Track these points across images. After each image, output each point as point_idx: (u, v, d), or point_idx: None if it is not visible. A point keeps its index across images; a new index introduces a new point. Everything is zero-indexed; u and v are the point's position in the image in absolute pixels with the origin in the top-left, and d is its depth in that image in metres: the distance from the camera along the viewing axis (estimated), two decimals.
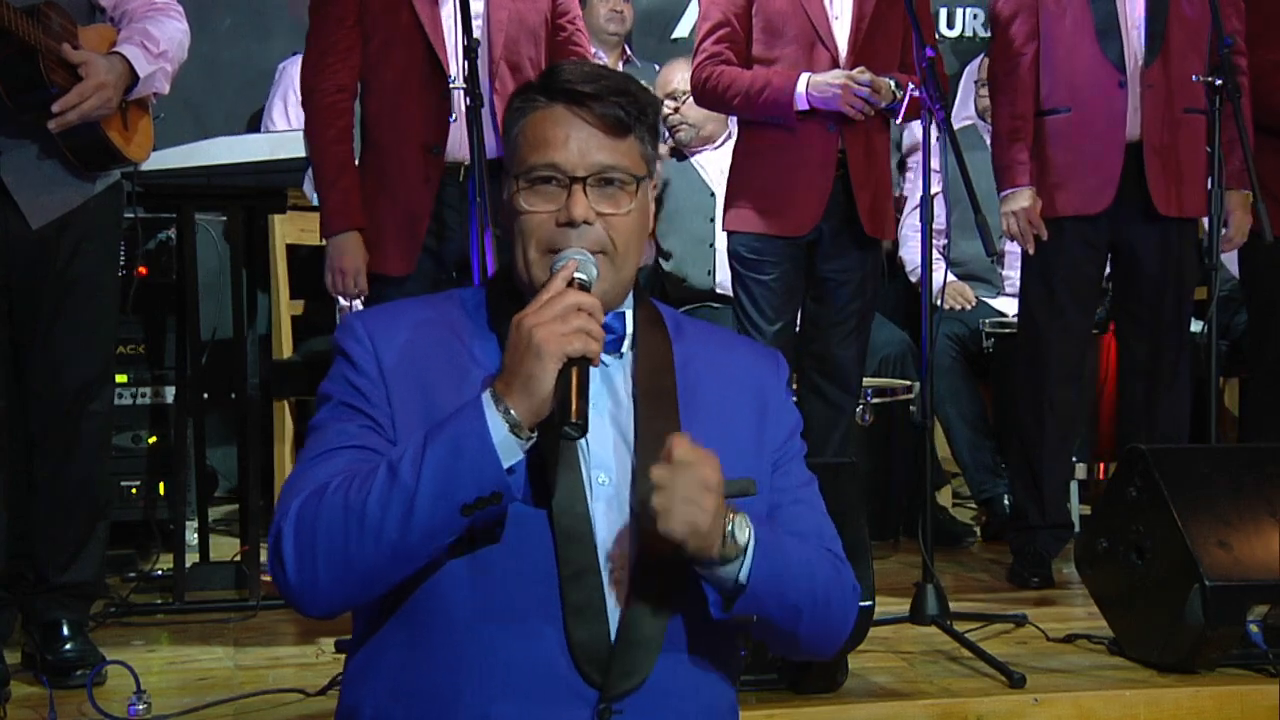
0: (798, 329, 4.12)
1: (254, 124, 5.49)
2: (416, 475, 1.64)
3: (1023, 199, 4.04)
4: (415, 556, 1.68)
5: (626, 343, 1.85)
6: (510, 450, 1.65)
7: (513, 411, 1.65)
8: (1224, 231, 3.95)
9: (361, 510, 1.66)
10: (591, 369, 1.69)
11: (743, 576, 1.73)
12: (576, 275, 1.74)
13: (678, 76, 5.02)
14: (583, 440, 1.73)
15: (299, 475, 1.77)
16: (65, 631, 3.22)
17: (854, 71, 3.83)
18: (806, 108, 3.85)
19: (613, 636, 1.73)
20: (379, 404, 1.78)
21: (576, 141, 1.79)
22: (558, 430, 1.66)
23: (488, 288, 1.91)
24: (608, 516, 1.77)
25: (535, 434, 1.67)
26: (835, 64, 3.88)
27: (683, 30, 6.19)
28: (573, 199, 1.78)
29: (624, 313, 1.86)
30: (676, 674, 1.77)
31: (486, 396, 1.66)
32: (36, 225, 3.09)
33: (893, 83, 3.87)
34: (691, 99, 4.43)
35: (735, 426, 1.87)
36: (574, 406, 1.65)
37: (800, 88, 3.84)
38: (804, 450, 1.97)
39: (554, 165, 1.79)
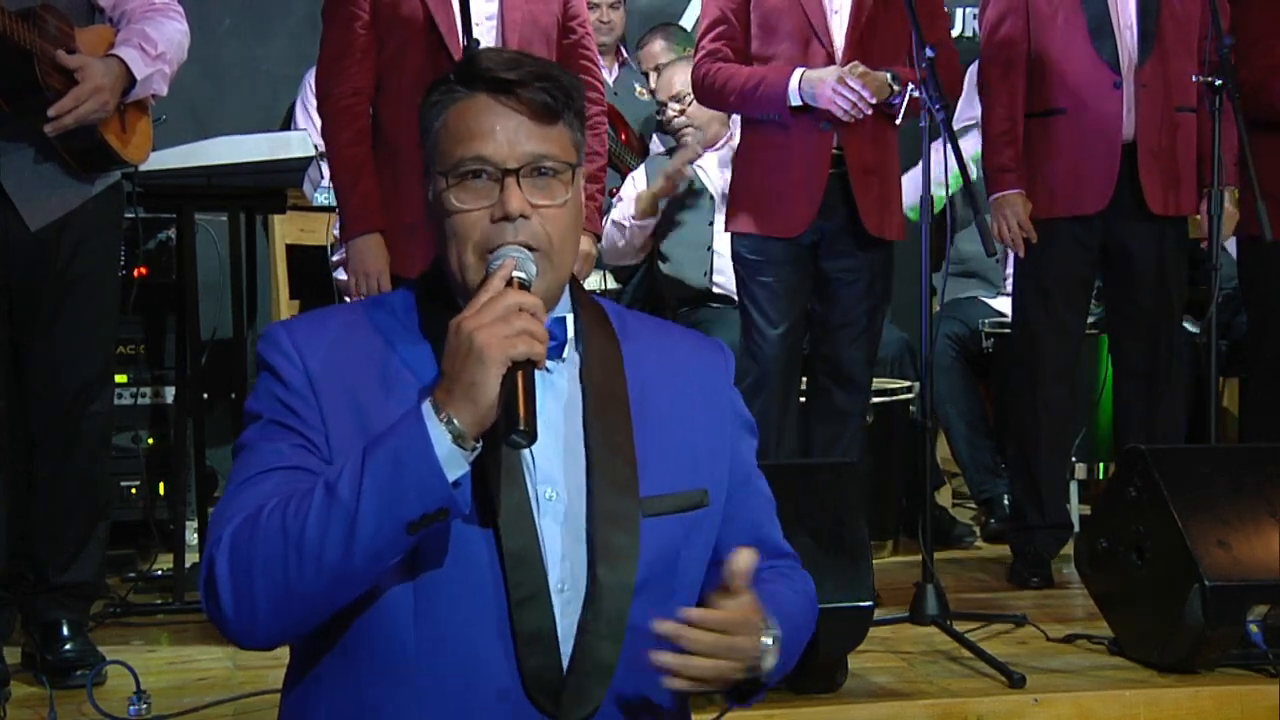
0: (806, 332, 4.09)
1: (258, 125, 5.47)
2: (356, 494, 1.54)
3: (1013, 203, 4.04)
4: (359, 580, 1.59)
5: (569, 346, 1.75)
6: (455, 463, 1.55)
7: (455, 421, 1.54)
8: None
9: (300, 534, 1.55)
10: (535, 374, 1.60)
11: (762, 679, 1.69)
12: (515, 274, 1.63)
13: (679, 79, 4.98)
14: (527, 453, 1.66)
15: (229, 500, 1.65)
16: (65, 631, 3.22)
17: (847, 68, 3.76)
18: (799, 103, 3.80)
19: (565, 663, 1.65)
20: (312, 422, 1.66)
21: (505, 131, 1.68)
22: (504, 439, 1.56)
23: (417, 291, 1.79)
24: (555, 534, 1.67)
25: (480, 444, 1.57)
26: (831, 60, 3.83)
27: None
28: (507, 192, 1.67)
29: (563, 317, 1.75)
30: (630, 699, 1.69)
31: (426, 406, 1.56)
32: (35, 227, 3.09)
33: (889, 76, 3.81)
34: (695, 100, 4.42)
35: (689, 430, 1.78)
36: (521, 413, 1.55)
37: (793, 83, 3.79)
38: (753, 444, 1.89)
39: (483, 158, 1.68)
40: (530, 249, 1.68)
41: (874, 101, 3.77)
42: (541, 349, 1.58)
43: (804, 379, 4.16)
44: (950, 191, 5.06)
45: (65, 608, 3.25)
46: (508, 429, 1.56)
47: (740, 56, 3.93)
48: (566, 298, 1.78)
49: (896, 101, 3.83)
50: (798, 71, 3.80)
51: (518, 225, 1.67)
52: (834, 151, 3.87)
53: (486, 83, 1.70)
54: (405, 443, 1.55)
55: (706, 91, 3.99)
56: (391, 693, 1.65)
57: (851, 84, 3.73)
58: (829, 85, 3.74)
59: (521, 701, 1.64)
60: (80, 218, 3.17)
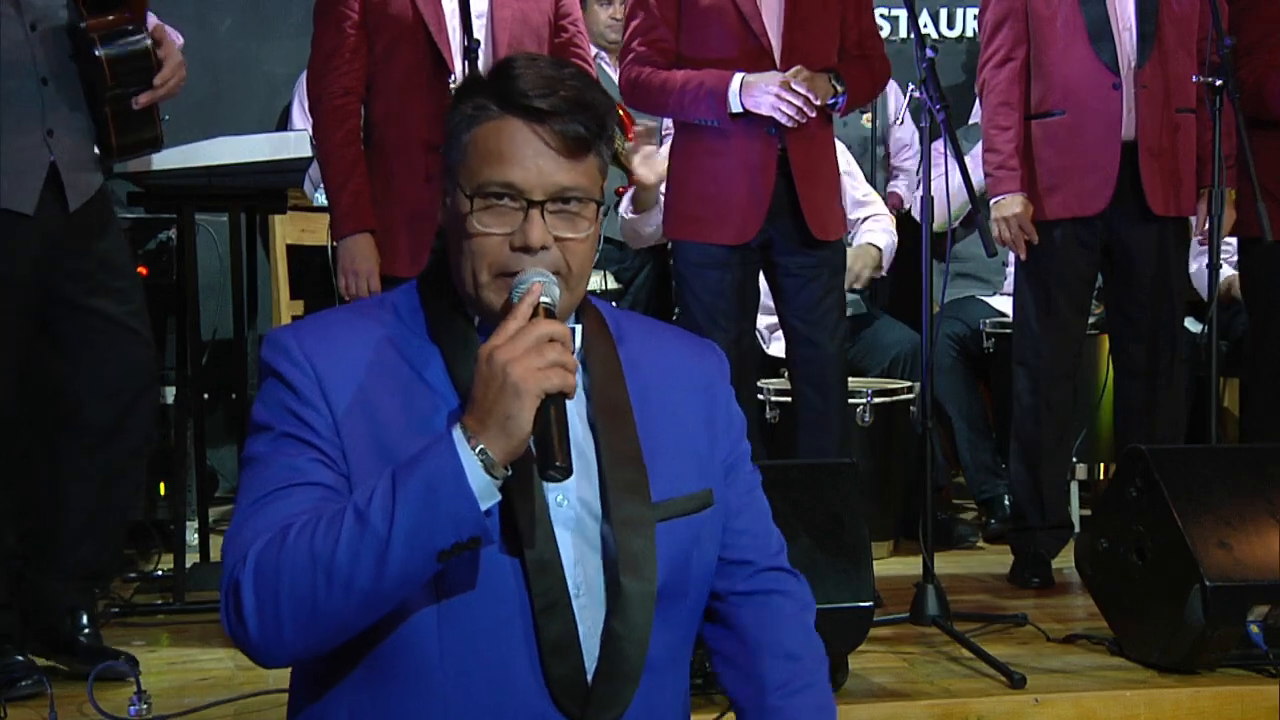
0: (778, 335, 4.05)
1: (258, 125, 5.48)
2: (389, 522, 1.54)
3: (1014, 205, 4.04)
4: (386, 604, 1.59)
5: (575, 357, 1.71)
6: (488, 493, 1.56)
7: (489, 452, 1.55)
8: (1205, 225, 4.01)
9: (330, 560, 1.55)
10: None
11: None
12: (542, 300, 1.63)
13: None
14: None
15: (250, 516, 1.63)
16: (84, 620, 3.21)
17: (790, 73, 3.69)
18: (740, 110, 3.72)
19: (588, 668, 1.67)
20: (327, 435, 1.65)
21: (535, 161, 1.67)
22: (541, 474, 1.58)
23: (420, 292, 1.78)
24: (568, 541, 1.69)
25: (510, 472, 1.58)
26: (768, 57, 3.75)
27: None
28: (530, 224, 1.66)
29: (574, 329, 1.75)
30: (650, 701, 1.72)
31: (458, 434, 1.56)
32: (74, 206, 3.10)
33: (830, 76, 3.77)
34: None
35: (688, 431, 1.80)
36: (557, 448, 1.56)
37: (734, 88, 3.71)
38: (749, 450, 1.90)
39: (511, 185, 1.67)
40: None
41: (819, 104, 3.72)
42: (573, 380, 1.59)
43: (790, 385, 4.14)
44: (953, 214, 5.05)
45: (84, 594, 3.24)
46: (545, 464, 1.57)
47: (669, 58, 3.84)
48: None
49: (840, 101, 3.78)
50: (738, 77, 3.71)
51: (537, 256, 1.67)
52: (778, 155, 3.79)
53: (522, 109, 1.68)
54: (438, 472, 1.55)
55: (639, 95, 3.87)
56: (416, 701, 1.65)
57: (797, 88, 3.68)
58: (771, 92, 3.68)
59: (548, 708, 1.65)
60: (99, 208, 3.17)
